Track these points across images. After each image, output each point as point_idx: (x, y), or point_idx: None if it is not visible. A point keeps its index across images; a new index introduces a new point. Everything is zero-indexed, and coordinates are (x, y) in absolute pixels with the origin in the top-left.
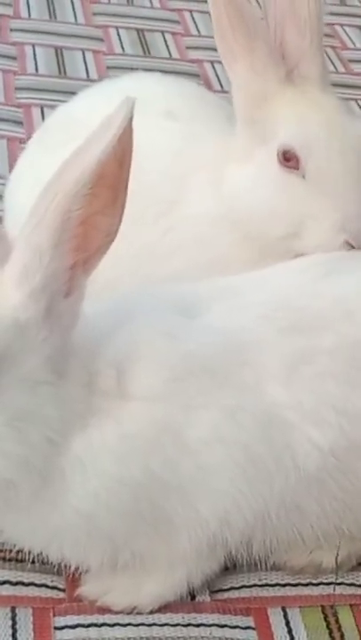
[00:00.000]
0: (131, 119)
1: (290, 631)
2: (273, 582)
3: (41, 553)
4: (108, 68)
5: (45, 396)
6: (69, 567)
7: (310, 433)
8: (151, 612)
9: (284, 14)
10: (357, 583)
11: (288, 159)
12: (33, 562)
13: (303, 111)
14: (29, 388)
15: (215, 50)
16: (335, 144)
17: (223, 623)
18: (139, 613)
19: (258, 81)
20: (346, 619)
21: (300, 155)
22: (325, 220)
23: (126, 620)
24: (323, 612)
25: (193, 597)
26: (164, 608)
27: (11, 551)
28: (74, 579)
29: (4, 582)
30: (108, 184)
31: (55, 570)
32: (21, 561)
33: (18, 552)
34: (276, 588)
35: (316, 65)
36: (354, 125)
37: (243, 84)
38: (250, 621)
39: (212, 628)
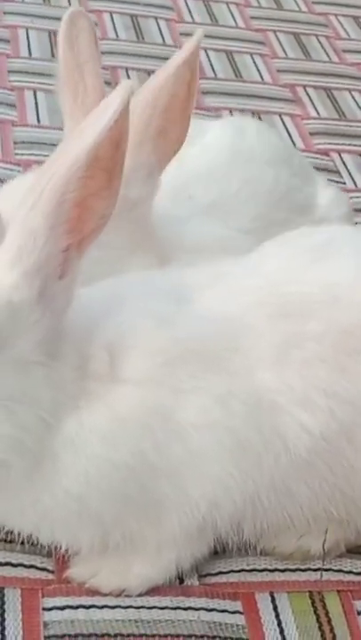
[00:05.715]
0: (127, 103)
1: (277, 616)
2: (261, 567)
3: (31, 535)
4: (102, 53)
5: (37, 377)
6: (59, 549)
7: (300, 417)
8: (140, 595)
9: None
10: (345, 569)
11: None
12: (22, 543)
13: None
14: (22, 370)
15: (208, 37)
16: None
17: (211, 607)
18: (127, 596)
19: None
20: (333, 604)
21: None
22: None
23: (115, 602)
24: (310, 598)
25: (181, 581)
26: (152, 591)
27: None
28: (63, 560)
29: None
30: (103, 166)
31: (45, 551)
32: (11, 542)
33: (7, 533)
34: (265, 573)
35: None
36: None
37: None
38: (238, 606)
39: (200, 611)
